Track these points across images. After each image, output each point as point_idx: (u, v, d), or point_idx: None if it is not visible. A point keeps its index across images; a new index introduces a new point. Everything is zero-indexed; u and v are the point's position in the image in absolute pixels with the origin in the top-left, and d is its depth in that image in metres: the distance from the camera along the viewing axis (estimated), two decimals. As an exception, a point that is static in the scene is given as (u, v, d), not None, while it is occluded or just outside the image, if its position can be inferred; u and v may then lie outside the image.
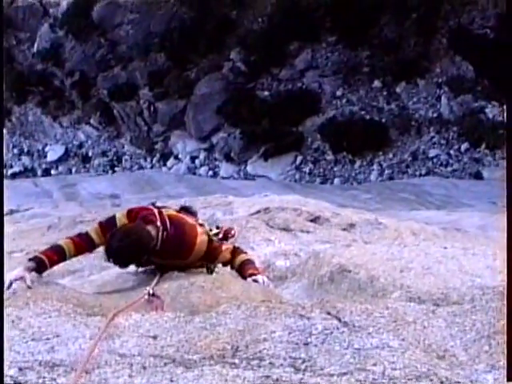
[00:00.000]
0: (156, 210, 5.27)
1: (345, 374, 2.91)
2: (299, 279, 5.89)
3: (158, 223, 5.10)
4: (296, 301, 5.01)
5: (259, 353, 3.25)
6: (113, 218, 5.31)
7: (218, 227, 6.05)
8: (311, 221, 8.36)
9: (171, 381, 2.87)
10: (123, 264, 5.13)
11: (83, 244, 5.21)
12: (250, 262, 5.34)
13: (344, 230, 8.03)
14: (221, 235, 5.80)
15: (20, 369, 3.07)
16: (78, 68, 34.71)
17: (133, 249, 4.95)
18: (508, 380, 2.46)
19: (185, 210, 5.99)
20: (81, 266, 6.69)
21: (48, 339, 3.52)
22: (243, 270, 5.23)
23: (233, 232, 6.03)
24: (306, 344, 3.32)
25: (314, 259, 5.98)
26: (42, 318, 3.92)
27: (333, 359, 3.09)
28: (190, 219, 5.51)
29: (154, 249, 5.06)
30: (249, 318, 3.69)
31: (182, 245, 5.22)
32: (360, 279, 5.26)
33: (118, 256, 4.96)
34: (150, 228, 5.07)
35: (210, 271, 5.56)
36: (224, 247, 5.40)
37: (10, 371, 3.05)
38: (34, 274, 4.92)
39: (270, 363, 3.10)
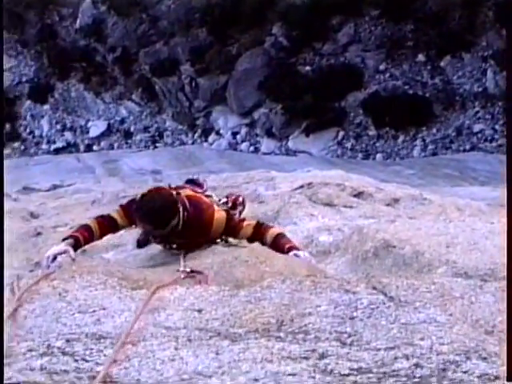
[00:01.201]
0: (174, 192, 5.27)
1: (392, 348, 2.87)
2: (343, 254, 5.84)
3: (179, 204, 5.10)
4: (340, 275, 4.99)
5: (304, 327, 3.23)
6: (133, 201, 5.33)
7: (227, 196, 6.06)
8: (355, 196, 8.29)
9: (217, 353, 2.87)
10: (152, 223, 5.04)
11: (107, 225, 5.27)
12: (283, 236, 5.28)
13: (388, 205, 7.95)
14: (230, 204, 5.87)
15: (67, 340, 3.10)
16: (120, 44, 34.83)
17: (163, 208, 4.98)
18: (508, 380, 2.42)
19: (191, 182, 5.98)
20: (124, 241, 6.72)
21: (94, 312, 3.54)
22: (279, 245, 5.18)
23: (240, 199, 6.03)
24: (352, 318, 3.30)
25: (358, 234, 5.92)
26: (88, 291, 3.94)
27: (379, 334, 3.06)
28: (205, 198, 5.48)
29: (176, 229, 5.07)
30: (294, 292, 3.67)
31: (202, 224, 5.22)
32: (405, 254, 5.20)
33: (149, 213, 4.97)
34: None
35: (225, 241, 5.57)
36: (246, 223, 5.36)
37: (57, 342, 3.08)
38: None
39: (316, 337, 3.08)
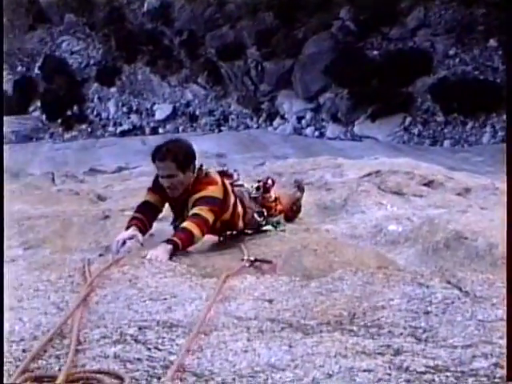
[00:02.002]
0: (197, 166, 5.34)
1: (469, 346, 2.79)
2: (412, 245, 5.75)
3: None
4: (410, 267, 4.90)
5: (377, 320, 3.18)
6: (156, 180, 5.41)
7: (259, 181, 6.06)
8: (424, 185, 8.15)
9: (290, 346, 2.83)
10: (175, 159, 5.11)
11: (149, 212, 5.34)
12: (182, 228, 5.01)
13: (459, 194, 7.79)
14: (261, 190, 5.90)
15: (139, 328, 3.10)
16: (187, 27, 34.98)
17: (186, 147, 5.22)
18: (508, 380, 2.33)
19: (221, 173, 5.97)
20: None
21: (165, 299, 3.54)
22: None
23: (270, 181, 6.00)
24: (426, 313, 3.23)
25: (429, 225, 5.83)
26: (158, 278, 3.96)
27: (455, 330, 2.98)
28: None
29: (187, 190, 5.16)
30: (366, 285, 3.62)
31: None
32: (478, 247, 5.10)
33: (173, 148, 5.15)
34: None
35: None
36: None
37: (129, 330, 3.08)
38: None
39: (390, 332, 3.03)
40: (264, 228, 5.84)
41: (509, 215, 3.14)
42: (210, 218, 5.08)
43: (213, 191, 5.20)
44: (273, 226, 5.93)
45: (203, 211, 5.04)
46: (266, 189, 5.95)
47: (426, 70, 29.26)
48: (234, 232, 5.64)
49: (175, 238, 4.84)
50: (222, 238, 5.59)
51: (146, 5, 36.39)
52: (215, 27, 34.31)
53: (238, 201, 5.57)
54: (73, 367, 2.65)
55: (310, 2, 31.07)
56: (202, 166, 5.41)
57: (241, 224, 5.61)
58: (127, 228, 5.20)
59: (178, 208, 5.41)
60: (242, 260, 4.64)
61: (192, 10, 34.83)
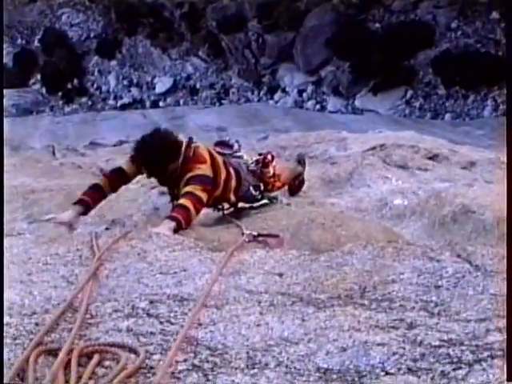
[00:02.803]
0: (185, 143, 5.28)
1: (483, 320, 2.79)
2: (419, 218, 5.75)
3: (182, 148, 5.18)
4: (417, 241, 4.90)
5: (388, 294, 3.17)
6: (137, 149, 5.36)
7: (260, 154, 6.03)
8: (429, 158, 8.13)
9: (302, 320, 2.83)
10: (149, 159, 5.11)
11: (117, 177, 5.40)
12: (180, 205, 4.98)
13: (464, 168, 7.78)
14: (260, 164, 5.87)
15: (151, 302, 3.10)
16: (188, -1, 34.78)
17: (162, 148, 5.05)
18: (508, 380, 2.32)
19: (222, 143, 5.95)
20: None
21: (175, 273, 3.54)
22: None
23: (269, 157, 5.97)
24: (437, 287, 3.22)
25: (435, 198, 5.82)
26: (167, 252, 3.95)
27: (468, 304, 2.97)
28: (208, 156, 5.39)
29: (175, 175, 5.12)
30: (376, 259, 3.61)
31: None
32: (485, 220, 5.09)
33: (147, 147, 5.09)
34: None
35: None
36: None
37: (141, 303, 3.08)
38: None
39: (401, 306, 3.02)
40: (260, 203, 5.83)
41: (508, 215, 3.14)
42: (204, 197, 5.06)
43: (203, 170, 5.18)
44: (269, 199, 5.92)
45: (197, 190, 5.02)
46: (264, 163, 5.91)
47: (427, 42, 29.14)
48: (230, 207, 5.64)
49: (177, 215, 4.82)
50: (220, 212, 5.60)
51: (146, -23, 36.14)
52: (216, -1, 34.13)
53: (232, 174, 5.55)
54: (86, 341, 2.66)
55: (312, -26, 30.87)
56: (190, 141, 5.36)
57: (233, 198, 5.60)
58: (75, 204, 5.24)
59: (169, 187, 5.44)
60: (243, 234, 4.62)
61: (193, -19, 34.61)
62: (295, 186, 6.76)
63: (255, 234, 4.63)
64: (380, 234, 4.80)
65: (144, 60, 36.23)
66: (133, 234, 4.41)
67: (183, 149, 5.20)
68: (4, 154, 5.05)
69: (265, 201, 5.87)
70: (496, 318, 2.80)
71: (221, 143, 6.03)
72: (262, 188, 5.85)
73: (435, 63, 28.73)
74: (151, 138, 5.15)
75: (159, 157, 5.08)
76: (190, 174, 5.10)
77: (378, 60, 28.70)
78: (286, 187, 6.68)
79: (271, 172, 5.98)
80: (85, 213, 5.18)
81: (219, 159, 5.47)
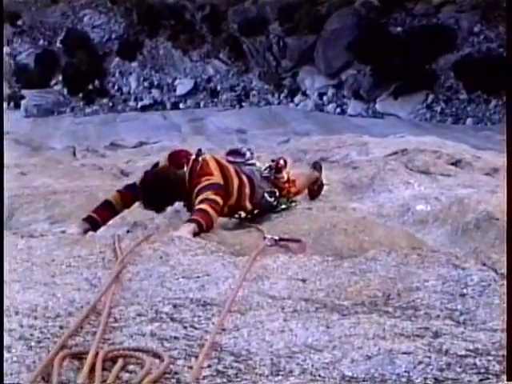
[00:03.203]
0: (193, 156, 5.30)
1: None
2: (441, 225, 5.70)
3: (185, 169, 5.18)
4: (440, 247, 4.87)
5: (413, 302, 3.15)
6: (156, 166, 5.47)
7: (272, 160, 6.03)
8: (452, 164, 8.08)
9: (327, 327, 2.81)
10: (157, 206, 5.18)
11: (130, 194, 5.34)
12: (200, 210, 4.99)
13: (487, 174, 7.72)
14: (273, 170, 5.83)
15: (174, 306, 3.10)
16: (209, 2, 34.84)
17: (162, 189, 5.04)
18: (508, 380, 2.29)
19: (233, 152, 5.94)
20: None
21: (198, 277, 3.53)
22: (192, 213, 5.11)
23: (281, 162, 5.94)
24: (463, 295, 3.19)
25: (458, 205, 5.78)
26: (190, 256, 3.94)
27: (494, 313, 2.94)
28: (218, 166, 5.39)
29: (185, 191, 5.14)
30: (400, 266, 3.58)
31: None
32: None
33: (149, 200, 5.09)
34: (178, 170, 5.18)
35: None
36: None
37: (164, 308, 3.08)
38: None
39: (426, 313, 3.00)
40: (278, 209, 5.81)
41: (508, 217, 3.10)
42: (219, 199, 5.07)
43: (213, 179, 5.19)
44: (286, 204, 5.89)
45: (210, 195, 5.04)
46: (277, 169, 5.87)
47: (449, 46, 28.99)
48: (247, 215, 5.63)
49: (197, 217, 4.84)
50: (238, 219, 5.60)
51: (168, -21, 36.24)
52: (238, 2, 34.15)
53: (245, 181, 5.52)
54: (110, 345, 2.65)
55: (334, -23, 30.82)
56: (199, 153, 5.39)
57: (249, 205, 5.57)
58: (83, 220, 5.22)
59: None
60: (264, 239, 4.60)
61: (214, -16, 34.67)
62: (314, 190, 6.75)
63: (277, 238, 4.61)
64: (403, 240, 4.77)
65: (165, 62, 36.34)
66: (155, 236, 4.41)
67: (191, 162, 5.23)
68: (4, 153, 5.03)
69: (283, 206, 5.85)
70: (523, 328, 2.76)
71: (233, 152, 6.02)
72: (278, 194, 5.82)
73: (457, 67, 28.58)
74: (152, 189, 5.09)
75: (165, 198, 5.13)
76: (199, 186, 5.13)
77: (399, 64, 28.59)
78: (306, 191, 6.66)
79: (285, 177, 5.94)
80: (93, 230, 5.13)
81: (230, 168, 5.47)
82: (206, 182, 5.14)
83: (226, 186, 5.27)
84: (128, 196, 5.37)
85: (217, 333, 2.78)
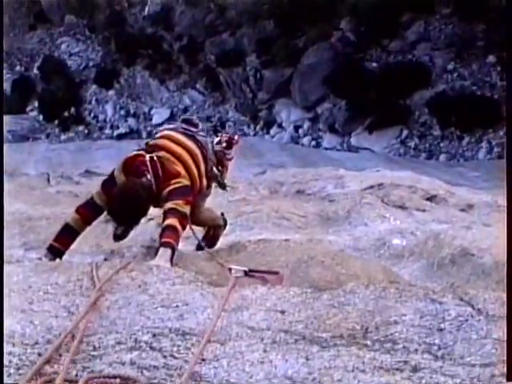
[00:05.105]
0: (148, 158, 5.11)
1: (487, 365, 2.79)
2: (417, 259, 5.76)
3: (149, 176, 5.00)
4: (416, 282, 4.91)
5: (391, 335, 3.17)
6: (111, 176, 5.30)
7: (221, 135, 5.90)
8: (427, 199, 8.17)
9: (307, 359, 2.82)
10: (130, 223, 5.07)
11: (89, 212, 5.26)
12: (169, 227, 4.93)
13: (462, 210, 7.82)
14: (224, 144, 5.67)
15: (154, 335, 3.09)
16: (187, 32, 34.98)
17: (133, 208, 4.92)
18: (508, 380, 2.32)
19: (187, 121, 5.75)
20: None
21: (177, 307, 3.53)
22: (161, 235, 4.99)
23: (236, 137, 5.83)
24: (440, 330, 3.22)
25: (434, 240, 5.85)
26: (168, 285, 3.94)
27: (472, 348, 2.97)
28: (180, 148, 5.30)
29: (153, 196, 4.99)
30: (378, 299, 3.60)
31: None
32: (484, 264, 5.11)
33: (123, 219, 4.99)
34: (143, 180, 4.99)
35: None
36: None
37: (143, 336, 3.07)
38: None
39: (404, 347, 3.02)
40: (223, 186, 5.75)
41: (509, 219, 3.14)
42: (188, 211, 4.97)
43: (179, 182, 5.06)
44: (220, 185, 5.80)
45: (180, 206, 4.92)
46: (228, 144, 5.70)
47: (424, 83, 29.31)
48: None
49: (169, 240, 4.78)
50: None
51: (146, 9, 36.39)
52: (215, 33, 34.32)
53: (200, 158, 5.35)
54: (89, 373, 2.64)
55: (311, 12, 31.09)
56: (149, 149, 5.23)
57: (205, 182, 5.44)
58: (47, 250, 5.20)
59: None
60: (230, 270, 4.56)
61: (193, 15, 34.86)
62: (209, 235, 6.10)
63: (246, 269, 4.58)
64: (380, 273, 4.81)
65: (142, 91, 36.35)
66: (133, 265, 4.39)
67: (149, 167, 5.04)
68: (4, 174, 5.04)
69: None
70: (501, 363, 2.79)
71: (186, 121, 5.78)
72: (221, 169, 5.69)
73: (431, 104, 28.89)
74: (121, 206, 4.94)
75: (137, 214, 5.03)
76: (168, 189, 5.00)
77: (374, 99, 28.86)
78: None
79: (232, 155, 5.77)
80: (59, 258, 5.08)
81: (188, 144, 5.33)
82: (175, 185, 5.02)
83: (192, 183, 5.18)
84: (88, 215, 5.27)
85: (196, 363, 2.77)
